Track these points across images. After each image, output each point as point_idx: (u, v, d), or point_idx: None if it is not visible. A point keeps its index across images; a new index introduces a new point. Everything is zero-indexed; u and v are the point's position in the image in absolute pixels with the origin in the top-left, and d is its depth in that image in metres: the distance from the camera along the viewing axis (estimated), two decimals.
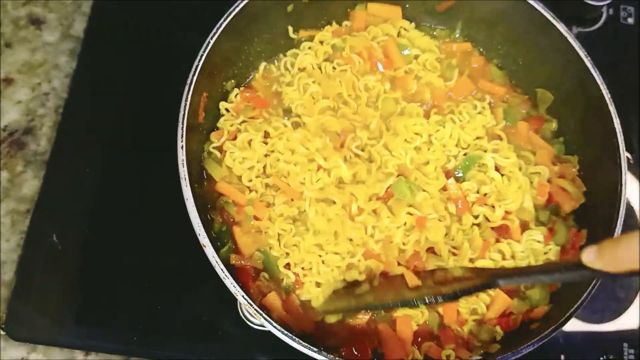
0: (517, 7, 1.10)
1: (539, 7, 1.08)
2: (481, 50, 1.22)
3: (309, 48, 1.17)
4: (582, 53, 1.05)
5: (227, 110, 1.12)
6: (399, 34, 1.20)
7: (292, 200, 1.04)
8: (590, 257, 0.71)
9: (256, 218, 1.04)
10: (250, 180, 1.06)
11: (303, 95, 1.12)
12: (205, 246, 0.90)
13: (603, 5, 1.29)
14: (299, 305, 0.99)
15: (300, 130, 1.08)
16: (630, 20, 1.36)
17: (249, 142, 1.07)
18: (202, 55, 1.00)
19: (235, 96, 1.12)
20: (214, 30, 1.01)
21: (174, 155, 0.95)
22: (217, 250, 0.91)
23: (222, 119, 1.11)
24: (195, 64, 1.00)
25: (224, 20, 1.02)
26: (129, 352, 1.07)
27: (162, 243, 1.11)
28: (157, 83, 1.20)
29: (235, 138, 1.08)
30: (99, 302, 1.08)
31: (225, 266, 0.89)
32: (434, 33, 1.23)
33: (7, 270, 1.11)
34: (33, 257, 1.09)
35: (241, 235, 1.02)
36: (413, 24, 1.21)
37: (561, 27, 1.07)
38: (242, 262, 1.00)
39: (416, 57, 1.18)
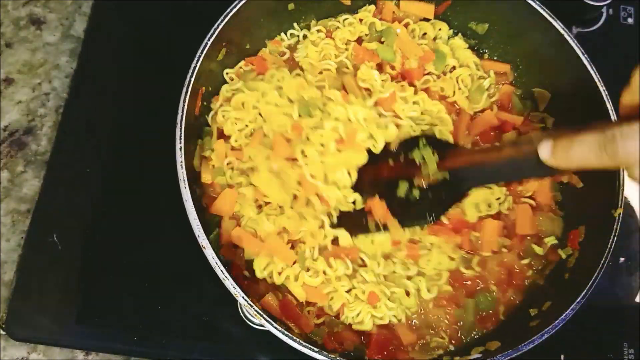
0: (514, 5, 1.10)
1: (536, 5, 1.08)
2: (515, 74, 1.19)
3: (350, 24, 1.15)
4: (579, 51, 1.05)
5: (231, 79, 1.12)
6: (435, 38, 1.18)
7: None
8: (546, 154, 0.75)
9: None
10: (236, 141, 1.06)
11: (320, 56, 1.12)
12: (205, 248, 0.90)
13: (603, 5, 1.29)
14: (296, 306, 0.99)
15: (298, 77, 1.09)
16: (630, 20, 1.36)
17: (243, 104, 1.07)
18: (199, 56, 1.00)
19: (240, 66, 1.13)
20: (211, 31, 1.02)
21: (174, 155, 0.95)
22: (207, 235, 0.91)
23: (223, 86, 1.11)
24: (193, 65, 1.00)
25: (222, 21, 1.02)
26: (129, 352, 1.07)
27: (162, 243, 1.11)
28: (158, 83, 1.20)
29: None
30: (99, 302, 1.08)
31: (224, 267, 0.90)
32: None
33: (7, 270, 1.11)
34: (33, 257, 1.09)
35: (227, 221, 1.02)
36: (451, 31, 1.20)
37: (558, 25, 1.07)
38: (229, 252, 1.00)
39: (452, 70, 1.15)
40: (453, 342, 1.02)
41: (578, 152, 0.71)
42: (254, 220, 1.01)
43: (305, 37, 1.17)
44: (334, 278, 1.00)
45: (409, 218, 0.98)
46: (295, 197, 1.01)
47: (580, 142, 0.70)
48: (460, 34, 1.21)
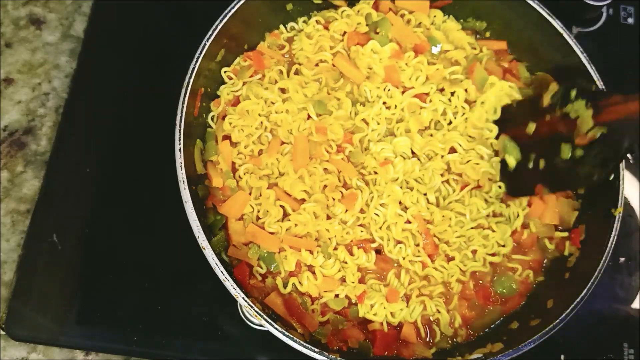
0: (514, 4, 1.11)
1: (536, 4, 1.08)
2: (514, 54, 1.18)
3: (347, 16, 1.15)
4: (579, 51, 1.05)
5: (229, 78, 1.12)
6: (431, 23, 1.18)
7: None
8: None
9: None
10: (246, 147, 1.06)
11: (315, 48, 1.12)
12: (204, 248, 0.91)
13: (603, 5, 1.29)
14: (300, 304, 0.99)
15: (296, 77, 1.11)
16: (630, 20, 1.36)
17: (248, 111, 1.08)
18: (198, 57, 1.01)
19: (237, 62, 1.14)
20: (210, 32, 1.02)
21: (173, 155, 0.95)
22: (211, 237, 0.91)
23: (222, 87, 1.11)
24: (192, 65, 1.00)
25: (220, 22, 1.02)
26: (129, 352, 1.07)
27: (162, 243, 1.11)
28: (157, 83, 1.20)
29: (236, 104, 1.10)
30: (99, 302, 1.08)
31: (224, 268, 0.90)
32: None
33: (7, 270, 1.11)
34: (33, 257, 1.09)
35: (234, 222, 1.02)
36: (446, 16, 1.19)
37: (558, 24, 1.07)
38: (237, 252, 1.00)
39: (445, 52, 1.15)
40: (457, 338, 1.03)
41: None
42: (275, 218, 1.02)
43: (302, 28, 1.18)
44: (353, 267, 1.01)
45: (573, 181, 0.96)
46: (327, 198, 1.03)
47: None
48: (452, 15, 1.20)
